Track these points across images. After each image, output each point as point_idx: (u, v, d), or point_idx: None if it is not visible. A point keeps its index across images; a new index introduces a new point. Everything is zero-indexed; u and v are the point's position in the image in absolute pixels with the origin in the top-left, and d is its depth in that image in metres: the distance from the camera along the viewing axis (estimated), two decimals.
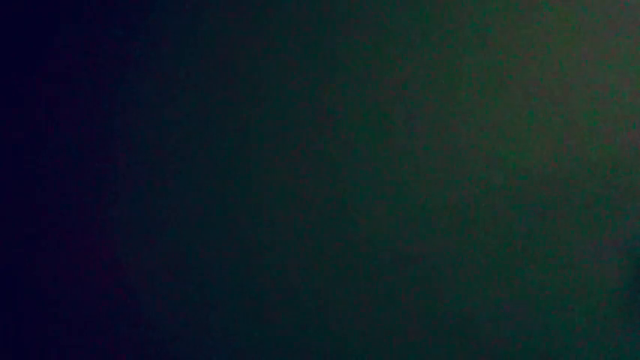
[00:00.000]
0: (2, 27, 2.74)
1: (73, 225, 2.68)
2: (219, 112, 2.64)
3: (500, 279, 2.49)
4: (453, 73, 2.54)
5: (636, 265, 2.43)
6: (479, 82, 2.53)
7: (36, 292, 2.68)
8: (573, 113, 2.49)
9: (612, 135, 2.46)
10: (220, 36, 2.65)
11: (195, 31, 2.66)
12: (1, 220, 2.71)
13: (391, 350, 2.52)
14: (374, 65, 2.58)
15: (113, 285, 2.65)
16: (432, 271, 2.52)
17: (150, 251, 2.64)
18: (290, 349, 2.57)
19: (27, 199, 2.70)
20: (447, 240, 2.51)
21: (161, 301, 2.63)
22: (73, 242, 2.67)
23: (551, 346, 2.46)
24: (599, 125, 2.47)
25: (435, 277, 2.51)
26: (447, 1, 2.55)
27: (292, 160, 2.59)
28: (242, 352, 2.59)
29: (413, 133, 2.55)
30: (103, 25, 2.70)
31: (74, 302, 2.66)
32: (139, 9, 2.69)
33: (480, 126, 2.52)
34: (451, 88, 2.54)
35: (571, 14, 2.50)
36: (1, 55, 2.74)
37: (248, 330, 2.59)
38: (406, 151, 2.55)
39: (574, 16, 2.50)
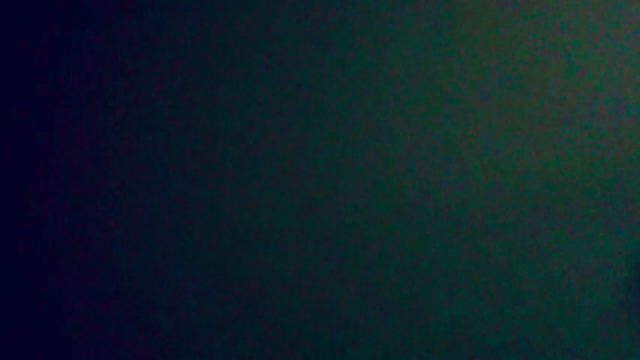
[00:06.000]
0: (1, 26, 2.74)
1: (71, 224, 2.68)
2: (218, 111, 2.63)
3: (500, 279, 2.49)
4: (454, 72, 2.54)
5: (636, 265, 2.43)
6: (479, 82, 2.53)
7: (35, 291, 2.68)
8: (574, 113, 2.49)
9: (612, 135, 2.46)
10: (219, 34, 2.65)
11: (194, 28, 2.66)
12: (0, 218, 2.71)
13: (393, 351, 2.52)
14: (373, 65, 2.57)
15: (111, 285, 2.65)
16: (432, 272, 2.52)
17: (148, 250, 2.64)
18: (289, 349, 2.57)
19: (25, 199, 2.70)
20: (447, 240, 2.51)
21: (160, 301, 2.63)
22: (71, 241, 2.67)
23: (551, 346, 2.46)
24: (599, 125, 2.47)
25: (434, 278, 2.52)
26: (448, 1, 2.55)
27: (291, 159, 2.59)
28: (240, 351, 2.59)
29: (413, 133, 2.55)
30: (101, 22, 2.70)
31: (72, 301, 2.66)
32: (137, 6, 2.69)
33: (480, 126, 2.52)
34: (451, 88, 2.54)
35: (571, 14, 2.50)
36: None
37: (246, 329, 2.59)
38: (406, 151, 2.55)
39: (574, 15, 2.50)
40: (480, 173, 2.51)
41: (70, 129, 2.70)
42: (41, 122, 2.72)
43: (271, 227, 2.59)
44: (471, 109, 2.53)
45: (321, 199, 2.58)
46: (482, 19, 2.54)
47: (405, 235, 2.53)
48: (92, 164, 2.68)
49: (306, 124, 2.60)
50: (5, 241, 2.70)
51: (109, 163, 2.67)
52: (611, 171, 2.45)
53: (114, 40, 2.69)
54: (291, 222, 2.59)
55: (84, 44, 2.71)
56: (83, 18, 2.71)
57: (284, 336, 2.57)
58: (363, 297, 2.54)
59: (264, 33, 2.63)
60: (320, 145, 2.59)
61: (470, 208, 2.51)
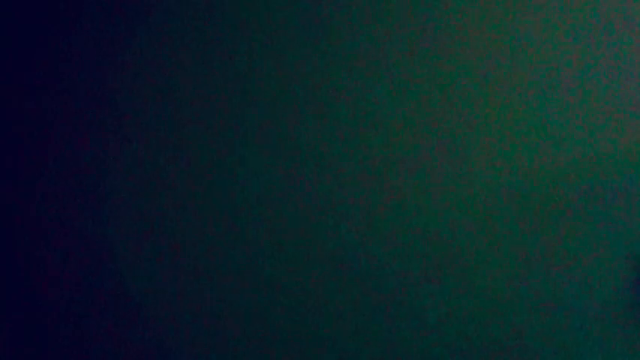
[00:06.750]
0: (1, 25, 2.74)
1: (71, 224, 2.68)
2: (217, 110, 2.64)
3: (500, 279, 2.49)
4: (454, 72, 2.54)
5: (636, 265, 2.43)
6: (479, 81, 2.53)
7: (34, 291, 2.68)
8: (574, 112, 2.49)
9: (612, 135, 2.47)
10: (218, 33, 2.65)
11: (193, 27, 2.66)
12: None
13: (395, 352, 2.52)
14: (374, 65, 2.58)
15: (110, 285, 2.65)
16: (432, 272, 2.52)
17: (148, 250, 2.64)
18: (289, 349, 2.57)
19: (25, 198, 2.70)
20: (446, 240, 2.51)
21: (160, 301, 2.62)
22: (71, 241, 2.67)
23: (551, 346, 2.45)
24: (599, 125, 2.48)
25: (433, 277, 2.51)
26: (447, 1, 2.56)
27: (290, 159, 2.59)
28: (239, 351, 2.58)
29: (413, 133, 2.55)
30: (100, 21, 2.70)
31: (72, 302, 2.66)
32: (136, 6, 2.69)
33: (480, 126, 2.52)
34: (451, 88, 2.54)
35: (571, 14, 2.51)
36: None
37: (245, 330, 2.59)
38: (407, 152, 2.55)
39: (574, 15, 2.50)
40: (479, 173, 2.51)
41: (69, 128, 2.70)
42: (40, 122, 2.72)
43: (270, 227, 2.59)
44: (470, 109, 2.53)
45: (321, 199, 2.58)
46: (482, 17, 2.54)
47: (404, 236, 2.53)
48: (92, 164, 2.68)
49: (306, 123, 2.60)
50: (5, 241, 2.70)
51: (108, 162, 2.67)
52: (611, 170, 2.46)
53: (113, 40, 2.70)
54: (289, 222, 2.59)
55: (83, 44, 2.71)
56: (82, 17, 2.72)
57: (283, 337, 2.57)
58: (362, 297, 2.54)
59: (264, 31, 2.63)
60: (320, 145, 2.59)
61: (469, 208, 2.51)
